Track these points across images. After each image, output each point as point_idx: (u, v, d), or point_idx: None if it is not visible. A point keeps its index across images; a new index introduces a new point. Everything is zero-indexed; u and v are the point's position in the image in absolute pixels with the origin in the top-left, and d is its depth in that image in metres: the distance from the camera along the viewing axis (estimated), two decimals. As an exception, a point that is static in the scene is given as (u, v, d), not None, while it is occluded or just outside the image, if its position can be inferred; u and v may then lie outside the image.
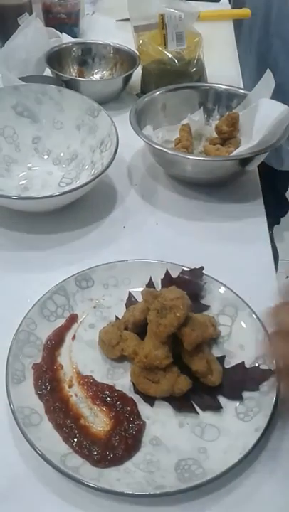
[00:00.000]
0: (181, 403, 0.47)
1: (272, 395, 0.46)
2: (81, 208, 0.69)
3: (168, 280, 0.57)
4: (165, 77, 0.90)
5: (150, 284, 0.57)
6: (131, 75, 0.92)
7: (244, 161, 0.69)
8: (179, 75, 0.89)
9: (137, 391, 0.48)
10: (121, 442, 0.44)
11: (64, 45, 0.98)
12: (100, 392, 0.48)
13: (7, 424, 0.45)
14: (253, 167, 0.73)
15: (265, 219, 0.71)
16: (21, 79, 0.83)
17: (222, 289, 0.56)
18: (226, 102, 0.82)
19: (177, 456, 0.44)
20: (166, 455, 0.44)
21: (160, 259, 0.59)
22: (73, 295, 0.56)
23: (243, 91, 0.81)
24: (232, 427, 0.45)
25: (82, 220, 0.69)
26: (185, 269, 0.58)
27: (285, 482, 0.43)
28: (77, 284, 0.57)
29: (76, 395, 0.48)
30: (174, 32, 0.90)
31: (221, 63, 1.05)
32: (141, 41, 0.92)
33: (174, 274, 0.58)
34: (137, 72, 0.94)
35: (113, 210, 0.71)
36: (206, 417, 0.46)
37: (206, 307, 0.55)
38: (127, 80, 0.92)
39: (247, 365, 0.50)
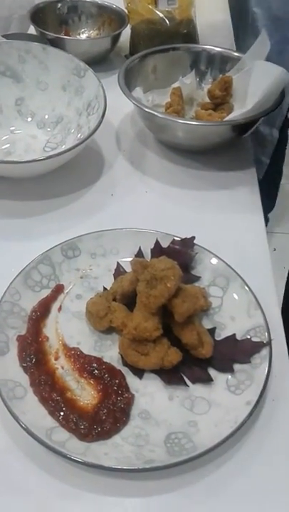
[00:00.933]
0: (171, 376, 0.46)
1: (264, 367, 0.45)
2: (67, 175, 0.66)
3: (158, 250, 0.55)
4: (155, 38, 0.85)
5: (139, 254, 0.55)
6: (119, 34, 0.87)
7: (238, 127, 0.66)
8: (170, 36, 0.85)
9: (125, 363, 0.47)
10: (109, 416, 0.42)
11: (49, 2, 0.92)
12: (88, 365, 0.46)
13: (-10, 398, 0.44)
14: (247, 133, 0.70)
15: (257, 188, 0.69)
16: (3, 37, 0.78)
17: (213, 260, 0.54)
18: (219, 64, 0.79)
19: (167, 430, 0.42)
20: (155, 429, 0.43)
21: (150, 229, 0.57)
22: (59, 265, 0.54)
23: (236, 53, 0.78)
24: (223, 399, 0.44)
25: (68, 187, 0.66)
26: (176, 238, 0.56)
27: (275, 456, 0.42)
28: (64, 253, 0.54)
29: (62, 368, 0.46)
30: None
31: (214, 25, 1.00)
32: (130, -1, 0.87)
33: (165, 244, 0.56)
34: (126, 33, 0.89)
35: (100, 176, 0.68)
36: (196, 389, 0.45)
37: (197, 278, 0.54)
38: (115, 40, 0.88)
39: (238, 337, 0.48)
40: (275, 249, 1.63)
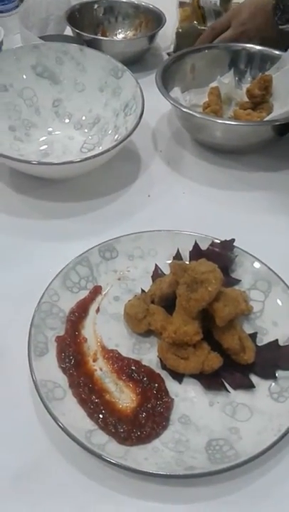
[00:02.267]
0: (211, 381, 0.45)
1: (309, 374, 0.43)
2: (104, 175, 0.66)
3: (197, 252, 0.54)
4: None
5: (178, 256, 0.55)
6: (156, 34, 0.87)
7: (278, 127, 0.65)
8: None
9: (164, 367, 0.46)
10: (148, 419, 0.42)
11: (85, 3, 0.93)
12: (126, 367, 0.46)
13: (30, 399, 0.44)
14: (288, 133, 0.68)
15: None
16: (41, 38, 0.79)
17: (254, 263, 0.53)
18: (258, 63, 0.77)
19: (208, 436, 0.41)
20: (196, 434, 0.42)
21: (188, 230, 0.56)
22: (97, 266, 0.53)
23: (277, 51, 0.76)
24: (265, 407, 0.43)
25: (105, 188, 0.66)
26: (215, 241, 0.55)
27: None
28: (101, 254, 0.54)
29: (101, 370, 0.46)
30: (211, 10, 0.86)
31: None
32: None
33: (203, 246, 0.55)
34: (163, 33, 0.89)
35: (137, 177, 0.68)
36: (237, 396, 0.44)
37: (237, 281, 0.53)
38: (151, 40, 0.87)
39: (281, 343, 0.47)
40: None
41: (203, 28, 0.85)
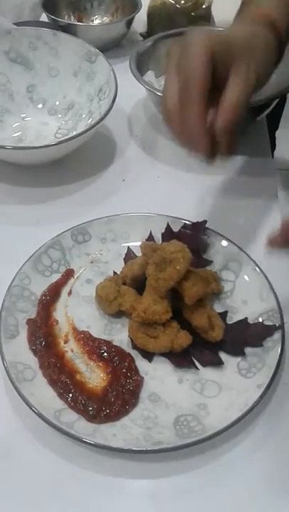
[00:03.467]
0: (181, 359, 0.45)
1: (277, 350, 0.44)
2: (78, 161, 0.66)
3: (169, 234, 0.54)
4: (171, 20, 0.84)
5: (150, 239, 0.55)
6: (132, 19, 0.86)
7: (252, 110, 0.65)
8: (186, 18, 0.84)
9: (135, 347, 0.46)
10: (118, 398, 0.42)
11: (61, -11, 0.92)
12: (97, 348, 0.46)
13: (1, 381, 0.44)
14: (262, 116, 0.69)
15: (273, 173, 0.67)
16: (16, 24, 0.78)
17: (225, 243, 0.53)
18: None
19: (176, 412, 0.42)
20: (164, 411, 0.42)
21: (161, 213, 0.56)
22: (69, 249, 0.54)
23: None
24: (234, 383, 0.43)
25: (79, 173, 0.65)
26: (187, 223, 0.55)
27: (286, 441, 0.41)
28: (74, 238, 0.54)
29: (72, 351, 0.46)
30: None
31: (229, 6, 0.98)
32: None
33: (176, 228, 0.55)
34: (140, 18, 0.88)
35: (112, 162, 0.68)
36: (206, 372, 0.45)
37: (209, 262, 0.53)
38: (128, 25, 0.86)
39: (250, 321, 0.48)
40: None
41: (173, 3, 0.83)
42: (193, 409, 0.42)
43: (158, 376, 0.45)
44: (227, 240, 0.53)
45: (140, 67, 0.69)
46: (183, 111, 0.40)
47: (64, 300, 0.50)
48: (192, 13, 0.84)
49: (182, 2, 0.84)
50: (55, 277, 0.52)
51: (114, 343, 0.47)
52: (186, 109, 0.40)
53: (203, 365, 0.45)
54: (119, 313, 0.49)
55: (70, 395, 0.42)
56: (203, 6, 0.85)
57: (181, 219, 0.55)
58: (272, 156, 0.69)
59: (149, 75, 0.71)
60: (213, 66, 0.39)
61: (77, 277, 0.52)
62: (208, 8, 0.86)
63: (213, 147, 0.41)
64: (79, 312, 0.49)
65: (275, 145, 0.75)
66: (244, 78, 0.41)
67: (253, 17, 0.47)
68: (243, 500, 0.39)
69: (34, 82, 0.71)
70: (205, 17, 0.86)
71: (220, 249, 0.53)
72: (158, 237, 0.55)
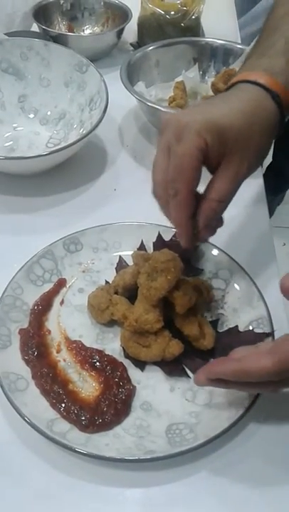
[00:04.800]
0: (173, 367, 0.46)
1: (267, 358, 0.44)
2: (70, 170, 0.67)
3: (160, 243, 0.55)
4: (161, 30, 0.85)
5: (142, 248, 0.55)
6: (122, 29, 0.87)
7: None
8: (175, 29, 0.85)
9: (127, 356, 0.47)
10: (110, 407, 0.42)
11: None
12: (89, 357, 0.46)
13: (-7, 391, 0.44)
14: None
15: (262, 181, 0.68)
16: (7, 34, 0.78)
17: (216, 252, 0.54)
18: (222, 57, 0.78)
19: (168, 421, 0.42)
20: (157, 420, 0.43)
21: (153, 223, 0.57)
22: (61, 259, 0.54)
23: (240, 46, 0.77)
24: (225, 391, 0.44)
25: (71, 183, 0.66)
26: (178, 231, 0.55)
27: (276, 448, 0.42)
28: (66, 247, 0.55)
29: (64, 360, 0.46)
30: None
31: (218, 17, 0.99)
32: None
33: (167, 238, 0.56)
34: (130, 28, 0.89)
35: (104, 172, 0.69)
36: (198, 381, 0.45)
37: (200, 271, 0.54)
38: (118, 35, 0.87)
39: (241, 329, 0.48)
40: (284, 244, 1.62)
41: (162, 14, 0.85)
42: (185, 418, 0.43)
43: (150, 385, 0.45)
44: (217, 248, 0.54)
45: (131, 77, 0.70)
46: (170, 200, 0.41)
47: (56, 309, 0.50)
48: (181, 24, 0.86)
49: (172, 13, 0.85)
50: (48, 287, 0.52)
51: (107, 352, 0.47)
52: (173, 200, 0.41)
53: (195, 373, 0.45)
54: (111, 323, 0.49)
55: (63, 405, 0.42)
56: (193, 17, 0.86)
57: (172, 228, 0.56)
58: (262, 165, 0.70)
59: (140, 85, 0.72)
60: (204, 154, 0.39)
61: (69, 287, 0.53)
62: (198, 18, 0.87)
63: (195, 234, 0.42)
64: (71, 321, 0.50)
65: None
66: (235, 171, 0.41)
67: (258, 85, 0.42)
68: (235, 509, 0.39)
69: (26, 92, 0.72)
70: (194, 27, 0.87)
71: (210, 257, 0.54)
72: (149, 246, 0.56)
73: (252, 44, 0.72)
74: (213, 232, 0.44)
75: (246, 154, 0.41)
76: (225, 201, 0.42)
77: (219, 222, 0.44)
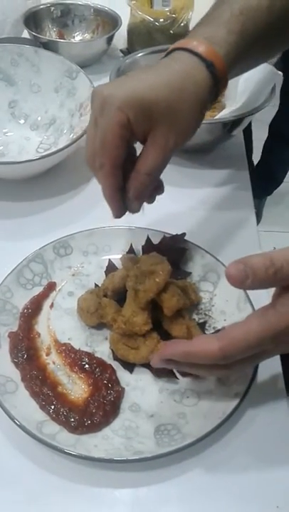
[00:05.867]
0: (161, 369, 0.46)
1: (253, 359, 0.45)
2: (60, 175, 0.67)
3: (149, 247, 0.56)
4: (150, 36, 0.87)
5: (131, 251, 0.56)
6: (112, 36, 0.88)
7: (228, 125, 0.67)
8: (164, 36, 0.86)
9: (116, 358, 0.47)
10: (99, 409, 0.43)
11: (42, 6, 0.93)
12: (79, 360, 0.47)
13: (-18, 393, 0.44)
14: (238, 131, 0.71)
15: (249, 185, 0.69)
16: (-3, 41, 0.79)
17: (204, 255, 0.55)
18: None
19: (156, 422, 0.43)
20: (145, 421, 0.43)
21: (141, 226, 0.57)
22: (51, 263, 0.54)
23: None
24: (212, 391, 0.44)
25: (61, 187, 0.67)
26: (166, 235, 0.56)
27: (263, 448, 0.43)
28: (55, 251, 0.55)
29: (54, 363, 0.47)
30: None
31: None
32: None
33: (156, 241, 0.56)
34: (120, 35, 0.90)
35: (93, 176, 0.69)
36: (185, 382, 0.46)
37: (188, 273, 0.54)
38: (108, 41, 0.88)
39: (228, 331, 0.49)
40: (274, 248, 1.63)
41: (152, 21, 0.86)
42: (173, 419, 0.43)
43: (139, 387, 0.46)
44: (205, 251, 0.55)
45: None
46: (97, 172, 0.42)
47: (46, 313, 0.51)
48: (170, 31, 0.87)
49: (161, 20, 0.86)
50: (37, 290, 0.52)
51: (96, 355, 0.48)
52: (99, 172, 0.42)
53: (183, 375, 0.46)
54: (100, 325, 0.50)
55: (52, 407, 0.43)
56: (182, 24, 0.87)
57: (161, 231, 0.57)
58: (249, 170, 0.71)
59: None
60: (128, 129, 0.39)
61: (59, 290, 0.53)
62: (186, 25, 0.88)
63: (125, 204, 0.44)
64: (61, 324, 0.50)
65: (251, 158, 0.77)
66: (161, 145, 0.40)
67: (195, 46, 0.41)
68: (222, 508, 0.40)
69: (16, 97, 0.73)
70: (183, 34, 0.88)
71: (198, 260, 0.55)
72: (139, 249, 0.56)
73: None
74: (151, 199, 0.46)
75: (173, 128, 0.40)
76: (152, 174, 0.42)
77: (159, 189, 0.46)
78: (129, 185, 0.43)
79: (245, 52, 0.43)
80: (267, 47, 0.47)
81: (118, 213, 0.45)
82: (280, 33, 0.46)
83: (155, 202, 0.66)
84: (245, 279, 0.33)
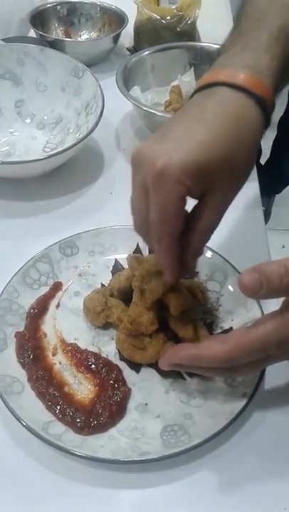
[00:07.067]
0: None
1: (261, 360, 0.45)
2: (67, 174, 0.67)
3: (155, 246, 0.55)
4: (157, 34, 0.86)
5: (137, 251, 0.56)
6: (119, 35, 0.88)
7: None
8: (171, 33, 0.86)
9: (122, 358, 0.47)
10: (105, 409, 0.43)
11: (49, 5, 0.93)
12: (85, 360, 0.47)
13: (-11, 393, 0.44)
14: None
15: (257, 184, 0.69)
16: (3, 40, 0.79)
17: (210, 255, 0.54)
18: (217, 61, 0.78)
19: (163, 423, 0.43)
20: (152, 421, 0.43)
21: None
22: (57, 262, 0.54)
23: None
24: (219, 392, 0.44)
25: (68, 187, 0.66)
26: (173, 234, 0.56)
27: (270, 449, 0.42)
28: (62, 251, 0.55)
29: (60, 363, 0.47)
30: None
31: (214, 22, 1.00)
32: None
33: (162, 240, 0.56)
34: (127, 33, 0.90)
35: (100, 175, 0.69)
36: (192, 382, 0.45)
37: (195, 273, 0.54)
38: (115, 40, 0.88)
39: (235, 331, 0.48)
40: (283, 247, 1.62)
41: (158, 19, 0.85)
42: (180, 419, 0.43)
43: (145, 387, 0.45)
44: (212, 250, 0.54)
45: (126, 82, 0.71)
46: (155, 244, 0.39)
47: (52, 313, 0.51)
48: (177, 28, 0.86)
49: (168, 18, 0.85)
50: (44, 290, 0.52)
51: (102, 355, 0.47)
52: (158, 246, 0.39)
53: (190, 375, 0.46)
54: (106, 325, 0.49)
55: (58, 407, 0.43)
56: (188, 22, 0.87)
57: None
58: (257, 167, 0.71)
59: (136, 90, 0.72)
60: (186, 195, 0.36)
61: (65, 290, 0.53)
62: (193, 23, 0.88)
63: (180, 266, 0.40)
64: (67, 324, 0.50)
65: (258, 157, 0.76)
66: (221, 203, 0.38)
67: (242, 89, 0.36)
68: (229, 510, 0.39)
69: (22, 97, 0.73)
70: (190, 32, 0.88)
71: (205, 260, 0.54)
72: (145, 249, 0.56)
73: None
74: (195, 266, 0.43)
75: (232, 182, 0.38)
76: (213, 231, 0.39)
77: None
78: (189, 246, 0.39)
79: (285, 77, 0.39)
80: None
81: (177, 276, 0.42)
82: None
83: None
84: (260, 288, 0.32)
